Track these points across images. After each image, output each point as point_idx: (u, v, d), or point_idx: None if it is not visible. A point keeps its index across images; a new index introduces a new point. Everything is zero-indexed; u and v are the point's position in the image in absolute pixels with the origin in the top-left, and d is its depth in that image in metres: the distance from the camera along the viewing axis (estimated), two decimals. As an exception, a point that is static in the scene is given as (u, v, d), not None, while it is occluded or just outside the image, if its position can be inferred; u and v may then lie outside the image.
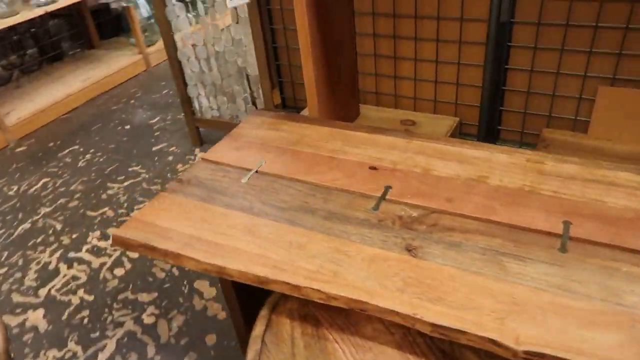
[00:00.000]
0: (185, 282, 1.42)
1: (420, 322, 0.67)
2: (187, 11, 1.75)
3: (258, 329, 0.80)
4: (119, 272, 1.51)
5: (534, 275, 0.71)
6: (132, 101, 2.71)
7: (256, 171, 1.01)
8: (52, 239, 1.69)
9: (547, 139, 1.39)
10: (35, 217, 1.80)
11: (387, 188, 0.91)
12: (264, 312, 0.83)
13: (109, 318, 1.35)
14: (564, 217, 0.80)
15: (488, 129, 1.52)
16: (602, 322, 0.63)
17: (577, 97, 1.34)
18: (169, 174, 1.97)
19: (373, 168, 0.98)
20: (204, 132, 2.13)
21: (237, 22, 1.64)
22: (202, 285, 1.40)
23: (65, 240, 1.68)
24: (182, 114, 2.44)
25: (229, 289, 0.99)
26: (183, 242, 0.84)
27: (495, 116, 1.49)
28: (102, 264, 1.54)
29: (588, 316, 0.64)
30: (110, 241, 1.62)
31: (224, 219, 0.89)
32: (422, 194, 0.89)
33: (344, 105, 1.53)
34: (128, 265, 1.52)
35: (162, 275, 1.46)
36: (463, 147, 1.00)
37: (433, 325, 0.66)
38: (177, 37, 1.79)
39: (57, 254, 1.62)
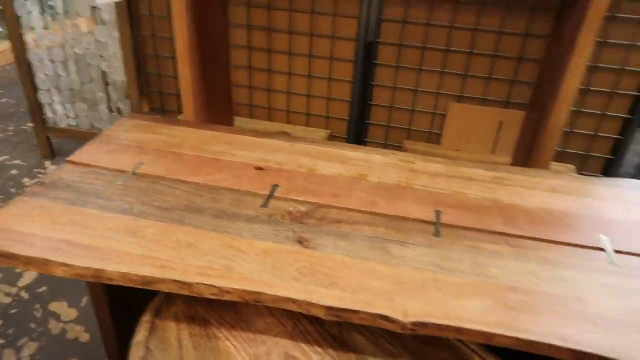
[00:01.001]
0: (38, 306, 1.24)
1: (316, 307, 0.69)
2: (42, 9, 1.58)
3: (141, 335, 0.74)
4: (-52, 300, 1.26)
5: (415, 257, 0.77)
6: (-38, 110, 2.34)
7: (134, 173, 0.94)
8: None
9: (408, 149, 1.54)
10: None
11: (275, 187, 0.92)
12: (146, 318, 0.77)
13: (-64, 356, 1.12)
14: (435, 207, 0.89)
15: (356, 141, 1.63)
16: (475, 293, 0.71)
17: (432, 113, 1.52)
18: (13, 189, 1.73)
19: (259, 169, 0.98)
20: (57, 144, 1.92)
21: (103, 24, 1.53)
22: (59, 307, 1.24)
23: None
24: (28, 125, 2.18)
25: (100, 297, 0.90)
26: (51, 247, 0.75)
27: (362, 129, 1.61)
28: None
29: (463, 289, 0.72)
30: (-64, 268, 1.36)
31: (101, 222, 0.81)
32: (309, 191, 0.92)
33: (219, 116, 1.52)
34: (-40, 292, 1.28)
35: (7, 300, 1.25)
36: (343, 150, 1.06)
37: (328, 308, 0.68)
38: (29, 37, 1.60)
39: None
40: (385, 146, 1.64)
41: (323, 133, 1.62)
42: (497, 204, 0.90)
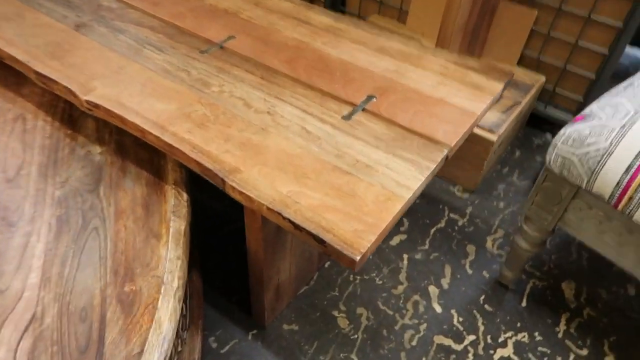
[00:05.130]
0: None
1: (32, 71, 0.75)
2: None
3: None
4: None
5: (156, 60, 0.77)
6: None
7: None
8: None
9: (372, 24, 1.41)
10: None
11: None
12: None
13: None
14: (232, 34, 0.85)
15: (332, 7, 1.53)
16: (172, 98, 0.70)
17: (404, -13, 1.35)
18: None
19: None
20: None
21: None
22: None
23: None
24: None
25: None
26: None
27: (339, -5, 1.50)
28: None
29: (165, 92, 0.71)
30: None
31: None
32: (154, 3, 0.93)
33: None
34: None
35: None
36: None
37: (37, 73, 0.74)
38: None
39: None
40: (359, 17, 1.52)
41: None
42: (301, 45, 0.83)
